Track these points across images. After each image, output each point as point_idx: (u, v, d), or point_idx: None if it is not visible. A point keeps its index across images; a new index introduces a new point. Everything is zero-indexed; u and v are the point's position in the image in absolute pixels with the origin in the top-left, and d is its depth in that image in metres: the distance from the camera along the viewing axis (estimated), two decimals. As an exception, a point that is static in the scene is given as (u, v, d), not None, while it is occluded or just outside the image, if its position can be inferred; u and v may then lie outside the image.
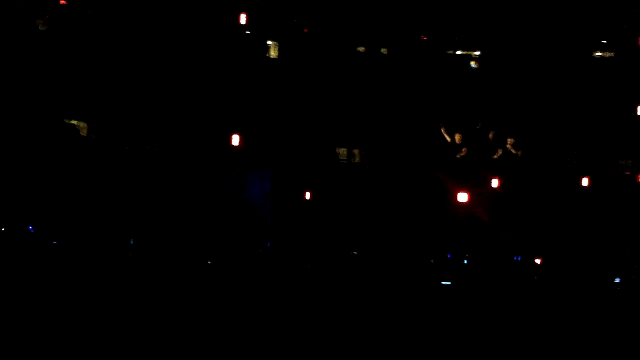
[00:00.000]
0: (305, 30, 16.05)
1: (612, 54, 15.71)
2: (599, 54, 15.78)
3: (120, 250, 11.05)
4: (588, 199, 12.72)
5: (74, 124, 14.42)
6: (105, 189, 12.69)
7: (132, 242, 11.63)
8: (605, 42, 15.76)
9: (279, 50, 15.96)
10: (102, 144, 14.08)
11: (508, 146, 13.28)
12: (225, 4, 15.72)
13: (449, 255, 11.58)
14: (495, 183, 12.80)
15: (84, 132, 14.44)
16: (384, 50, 16.21)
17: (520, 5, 15.66)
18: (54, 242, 11.59)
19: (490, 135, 13.48)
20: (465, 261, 11.14)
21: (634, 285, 10.63)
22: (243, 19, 15.62)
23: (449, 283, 10.42)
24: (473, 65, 16.09)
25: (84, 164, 13.37)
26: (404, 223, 12.29)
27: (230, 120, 14.68)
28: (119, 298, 9.60)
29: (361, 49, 16.15)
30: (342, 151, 14.64)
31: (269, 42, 16.06)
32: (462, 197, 12.28)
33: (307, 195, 12.64)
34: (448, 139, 13.56)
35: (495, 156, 13.51)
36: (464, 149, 13.34)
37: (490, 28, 15.85)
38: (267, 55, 15.96)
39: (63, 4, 15.32)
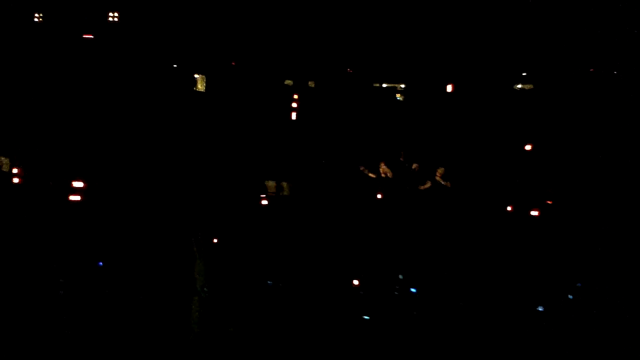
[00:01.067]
0: (233, 63, 16.09)
1: (531, 86, 16.16)
2: (519, 86, 16.21)
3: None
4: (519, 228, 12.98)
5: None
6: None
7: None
8: (525, 74, 16.20)
9: (206, 83, 15.95)
10: (25, 179, 13.80)
11: (437, 177, 13.45)
12: (151, 37, 15.67)
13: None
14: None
15: (5, 168, 14.14)
16: (311, 83, 16.36)
17: (444, 37, 16.00)
18: None
19: (414, 167, 13.66)
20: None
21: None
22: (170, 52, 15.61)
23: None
24: (398, 98, 16.35)
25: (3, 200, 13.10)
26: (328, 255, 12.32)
27: (158, 154, 14.56)
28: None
29: (289, 81, 16.26)
30: (271, 184, 14.64)
31: (196, 76, 16.04)
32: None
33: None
34: (372, 175, 13.67)
35: (422, 187, 13.68)
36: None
37: (415, 60, 16.14)
38: (195, 88, 15.94)
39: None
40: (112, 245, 11.64)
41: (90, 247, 11.60)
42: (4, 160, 14.15)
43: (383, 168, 13.86)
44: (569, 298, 10.90)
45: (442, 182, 13.13)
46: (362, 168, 13.49)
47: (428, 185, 13.38)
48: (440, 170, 13.25)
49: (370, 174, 13.49)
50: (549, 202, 13.82)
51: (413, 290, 11.07)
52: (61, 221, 12.37)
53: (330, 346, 9.37)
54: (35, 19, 15.54)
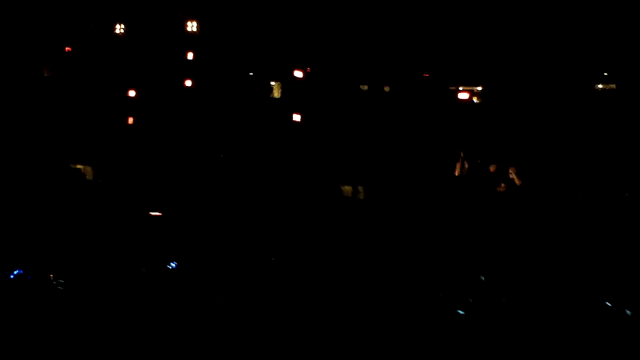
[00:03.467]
0: (308, 70, 16.22)
1: (614, 86, 15.78)
2: (600, 86, 15.86)
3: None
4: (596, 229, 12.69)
5: (79, 169, 14.56)
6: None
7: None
8: (606, 74, 15.85)
9: (282, 90, 16.13)
10: (107, 187, 14.19)
11: (511, 175, 13.27)
12: (229, 45, 15.93)
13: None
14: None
15: (89, 176, 14.56)
16: (386, 88, 16.35)
17: (521, 40, 15.79)
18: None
19: (492, 169, 13.49)
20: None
21: None
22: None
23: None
24: (475, 101, 16.18)
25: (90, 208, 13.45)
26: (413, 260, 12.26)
27: (236, 156, 14.79)
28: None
29: (364, 87, 16.29)
30: (347, 188, 14.68)
31: (272, 83, 16.23)
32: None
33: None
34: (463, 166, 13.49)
35: (499, 189, 13.51)
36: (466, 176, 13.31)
37: (492, 63, 15.97)
38: (271, 95, 16.13)
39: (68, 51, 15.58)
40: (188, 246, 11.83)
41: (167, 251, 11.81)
42: (88, 169, 14.60)
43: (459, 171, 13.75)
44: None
45: (517, 181, 12.95)
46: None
47: (504, 187, 13.21)
48: (513, 169, 13.09)
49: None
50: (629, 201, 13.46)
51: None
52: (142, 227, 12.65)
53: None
54: (117, 31, 16.01)
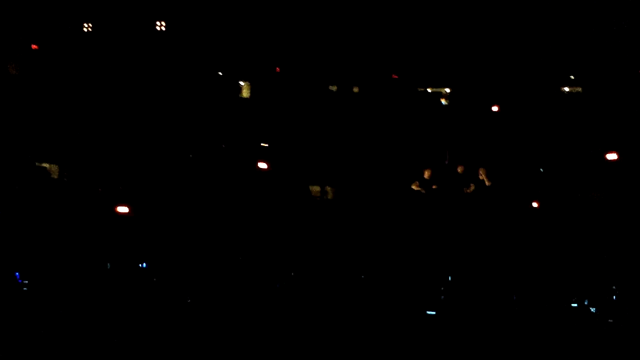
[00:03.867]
0: (277, 69, 16.20)
1: (579, 89, 15.96)
2: (567, 89, 16.02)
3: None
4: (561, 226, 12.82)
5: (45, 167, 14.39)
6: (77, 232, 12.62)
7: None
8: (573, 77, 16.01)
9: (251, 90, 16.09)
10: (74, 186, 14.04)
11: (481, 177, 13.33)
12: (194, 44, 15.86)
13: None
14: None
15: (55, 175, 14.40)
16: (355, 89, 16.37)
17: (489, 42, 15.90)
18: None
19: (460, 170, 13.56)
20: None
21: None
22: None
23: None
24: (443, 102, 16.27)
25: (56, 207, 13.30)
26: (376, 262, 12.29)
27: (201, 161, 14.71)
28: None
29: (333, 87, 16.30)
30: (315, 189, 14.67)
31: (241, 83, 16.18)
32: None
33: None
34: (415, 188, 13.54)
35: (468, 190, 13.57)
36: (434, 186, 13.39)
37: (460, 65, 16.07)
38: (240, 95, 16.08)
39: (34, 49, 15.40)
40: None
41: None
42: (54, 167, 14.43)
43: (427, 173, 13.79)
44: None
45: (486, 182, 13.02)
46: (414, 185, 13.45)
47: (472, 188, 13.28)
48: (482, 170, 13.16)
49: (414, 186, 13.39)
50: (597, 203, 13.61)
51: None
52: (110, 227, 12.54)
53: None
54: (85, 29, 15.87)
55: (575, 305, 10.45)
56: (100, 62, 15.57)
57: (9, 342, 8.88)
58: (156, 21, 15.99)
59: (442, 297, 10.80)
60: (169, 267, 11.17)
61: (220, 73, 16.14)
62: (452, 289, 10.99)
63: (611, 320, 9.89)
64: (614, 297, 10.67)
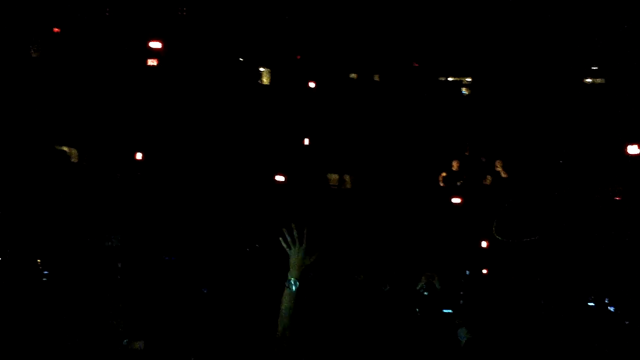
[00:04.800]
0: (298, 57, 16.13)
1: (602, 81, 15.79)
2: (589, 80, 15.86)
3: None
4: (575, 223, 12.73)
5: (65, 151, 14.44)
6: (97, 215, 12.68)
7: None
8: (595, 68, 15.84)
9: (271, 76, 16.04)
10: (93, 170, 14.09)
11: (498, 169, 13.26)
12: (217, 31, 15.81)
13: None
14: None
15: (75, 159, 14.45)
16: (376, 77, 16.29)
17: (512, 32, 15.75)
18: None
19: (483, 160, 13.49)
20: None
21: None
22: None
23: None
24: (464, 92, 16.17)
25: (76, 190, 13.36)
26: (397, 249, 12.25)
27: (224, 144, 14.71)
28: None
29: (354, 75, 16.22)
30: (334, 177, 14.65)
31: (261, 69, 16.14)
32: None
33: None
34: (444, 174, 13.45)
35: (486, 182, 13.52)
36: (463, 176, 13.33)
37: (482, 54, 15.93)
38: (260, 81, 16.04)
39: (56, 32, 15.42)
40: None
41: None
42: (73, 151, 14.47)
43: (455, 164, 13.73)
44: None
45: (503, 174, 12.95)
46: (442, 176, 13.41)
47: (490, 180, 13.22)
48: (499, 162, 13.09)
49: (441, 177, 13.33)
50: (617, 198, 13.51)
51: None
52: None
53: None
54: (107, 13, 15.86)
55: (593, 304, 10.39)
56: (120, 45, 15.55)
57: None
58: (178, 6, 15.95)
59: (462, 292, 10.77)
60: (188, 258, 11.20)
61: (241, 59, 16.10)
62: (471, 284, 10.96)
63: (628, 322, 9.82)
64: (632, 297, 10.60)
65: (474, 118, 15.27)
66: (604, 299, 10.45)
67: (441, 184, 13.36)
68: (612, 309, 10.35)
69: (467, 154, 14.12)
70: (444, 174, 13.59)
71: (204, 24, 15.84)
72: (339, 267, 10.83)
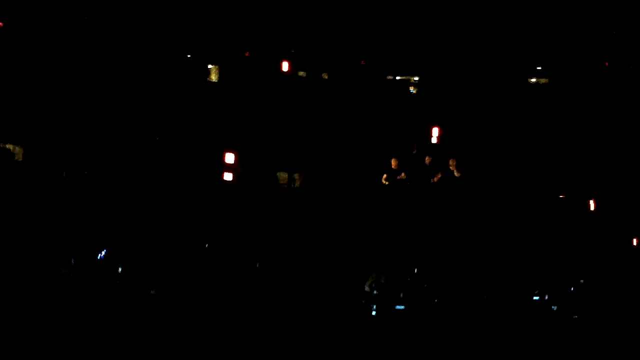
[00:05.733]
0: (247, 54, 16.07)
1: (546, 80, 16.08)
2: (533, 80, 16.13)
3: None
4: (527, 219, 12.95)
5: (8, 149, 14.17)
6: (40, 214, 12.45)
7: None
8: (540, 68, 16.12)
9: (220, 74, 15.95)
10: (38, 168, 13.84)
11: (451, 167, 13.40)
12: (165, 28, 15.65)
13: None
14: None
15: (19, 157, 14.18)
16: (324, 75, 16.32)
17: (459, 32, 15.93)
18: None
19: (427, 160, 13.61)
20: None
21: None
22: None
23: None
24: (412, 91, 16.30)
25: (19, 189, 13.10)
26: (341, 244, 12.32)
27: (170, 144, 14.58)
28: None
29: (302, 73, 16.22)
30: (283, 175, 14.64)
31: (209, 66, 16.04)
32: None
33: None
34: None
35: (434, 179, 13.64)
36: (402, 174, 13.44)
37: (429, 54, 16.08)
38: (208, 79, 15.94)
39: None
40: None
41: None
42: (18, 149, 14.20)
43: (394, 162, 13.83)
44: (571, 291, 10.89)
45: (455, 173, 13.09)
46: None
47: (439, 177, 13.34)
48: (452, 161, 13.23)
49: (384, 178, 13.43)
50: (561, 196, 13.78)
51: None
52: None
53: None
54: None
55: (537, 298, 10.59)
56: (67, 41, 15.29)
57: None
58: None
59: (407, 289, 10.87)
60: (130, 254, 11.07)
61: (189, 56, 15.98)
62: (419, 281, 11.07)
63: (576, 317, 10.04)
64: (577, 293, 10.83)
65: (422, 117, 15.42)
66: (545, 295, 10.66)
67: (385, 182, 13.45)
68: (554, 306, 10.57)
69: (414, 152, 14.24)
70: (385, 175, 13.73)
71: (153, 20, 15.67)
72: (294, 265, 10.85)
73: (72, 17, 15.15)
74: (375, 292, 10.44)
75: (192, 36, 15.68)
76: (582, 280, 10.88)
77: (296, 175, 14.58)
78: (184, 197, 13.00)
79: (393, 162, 13.65)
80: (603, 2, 15.34)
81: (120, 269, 10.60)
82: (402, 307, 10.07)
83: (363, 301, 10.20)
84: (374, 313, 10.01)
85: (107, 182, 13.31)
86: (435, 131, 14.65)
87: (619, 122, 14.92)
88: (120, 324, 9.20)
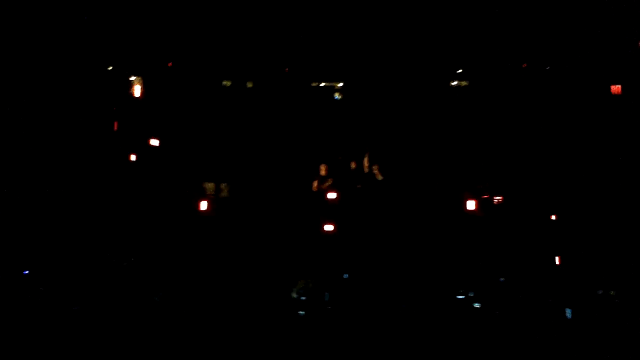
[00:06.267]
0: (170, 64, 15.99)
1: (467, 83, 16.39)
2: (455, 82, 16.44)
3: None
4: (449, 220, 13.19)
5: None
6: None
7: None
8: (460, 71, 16.43)
9: (143, 86, 15.82)
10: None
11: (375, 171, 13.60)
12: (85, 38, 15.46)
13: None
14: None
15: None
16: (249, 84, 16.35)
17: (379, 35, 16.14)
18: None
19: (353, 165, 13.78)
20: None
21: None
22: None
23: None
24: (337, 97, 16.44)
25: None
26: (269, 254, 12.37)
27: (93, 159, 14.42)
28: None
29: (227, 82, 16.23)
30: (210, 186, 14.61)
31: (132, 78, 15.90)
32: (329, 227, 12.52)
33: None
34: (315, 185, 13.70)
35: (359, 185, 13.81)
36: (329, 179, 13.57)
37: (353, 59, 16.24)
38: (130, 92, 15.80)
39: None
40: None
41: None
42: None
43: (323, 168, 13.96)
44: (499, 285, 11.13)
45: (378, 176, 13.31)
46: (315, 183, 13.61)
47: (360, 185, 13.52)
48: (375, 166, 13.46)
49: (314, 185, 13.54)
50: (485, 196, 14.06)
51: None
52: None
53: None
54: None
55: (462, 297, 10.80)
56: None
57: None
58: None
59: (330, 295, 10.98)
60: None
61: (110, 67, 15.83)
62: (343, 286, 11.18)
63: (498, 312, 10.27)
64: (499, 289, 11.07)
65: (346, 123, 15.57)
66: (469, 293, 10.88)
67: (314, 189, 13.57)
68: (477, 304, 10.79)
69: (340, 158, 14.39)
70: (315, 182, 13.84)
71: (75, 29, 15.46)
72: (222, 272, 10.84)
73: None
74: (303, 297, 10.52)
75: (111, 47, 15.53)
76: (502, 278, 11.14)
77: (223, 185, 14.57)
78: (106, 210, 12.89)
79: (322, 169, 13.79)
80: (520, 4, 15.72)
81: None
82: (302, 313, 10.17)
83: (291, 307, 10.27)
84: (301, 314, 10.10)
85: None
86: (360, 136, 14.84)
87: (535, 122, 15.31)
88: (121, 331, 9.13)
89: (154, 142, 14.74)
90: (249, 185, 14.48)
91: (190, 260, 11.59)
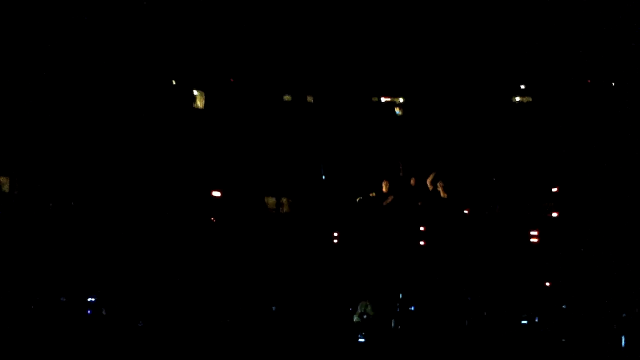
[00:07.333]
0: (232, 80, 16.12)
1: (530, 99, 16.21)
2: (518, 98, 16.26)
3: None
4: (513, 242, 13.03)
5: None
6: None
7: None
8: (523, 87, 16.25)
9: (205, 100, 15.98)
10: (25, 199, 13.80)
11: (439, 189, 13.49)
12: (148, 52, 15.67)
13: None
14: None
15: (5, 188, 14.13)
16: (309, 99, 16.40)
17: (442, 51, 16.05)
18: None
19: (412, 182, 13.69)
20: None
21: None
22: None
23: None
24: (397, 112, 16.38)
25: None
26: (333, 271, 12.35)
27: (158, 173, 14.59)
28: None
29: (287, 97, 16.30)
30: (271, 200, 14.66)
31: (195, 92, 16.06)
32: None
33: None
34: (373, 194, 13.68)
35: (420, 202, 13.72)
36: (390, 197, 13.51)
37: (414, 74, 16.18)
38: (194, 105, 15.96)
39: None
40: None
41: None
42: (3, 180, 14.15)
43: (385, 185, 13.91)
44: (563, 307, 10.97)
45: (442, 194, 13.20)
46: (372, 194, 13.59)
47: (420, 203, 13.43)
48: (440, 183, 13.34)
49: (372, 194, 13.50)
50: (550, 214, 13.87)
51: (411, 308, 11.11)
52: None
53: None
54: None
55: (526, 322, 10.65)
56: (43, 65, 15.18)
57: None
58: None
59: (398, 310, 10.91)
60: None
61: (173, 82, 16.01)
62: (407, 304, 11.11)
63: (564, 340, 10.10)
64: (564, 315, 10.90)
65: (407, 138, 15.50)
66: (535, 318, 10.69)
67: (384, 204, 13.52)
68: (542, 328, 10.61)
69: (401, 175, 14.31)
70: (372, 194, 13.78)
71: (136, 45, 15.67)
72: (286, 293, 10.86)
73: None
74: (364, 319, 10.48)
75: (178, 61, 15.71)
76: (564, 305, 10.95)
77: (284, 200, 14.61)
78: (171, 226, 13.03)
79: (384, 186, 13.74)
80: (582, 21, 15.51)
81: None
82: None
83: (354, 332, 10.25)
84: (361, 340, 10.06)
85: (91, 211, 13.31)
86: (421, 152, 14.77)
87: (600, 139, 15.06)
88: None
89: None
90: (311, 201, 14.49)
91: (255, 277, 11.64)
